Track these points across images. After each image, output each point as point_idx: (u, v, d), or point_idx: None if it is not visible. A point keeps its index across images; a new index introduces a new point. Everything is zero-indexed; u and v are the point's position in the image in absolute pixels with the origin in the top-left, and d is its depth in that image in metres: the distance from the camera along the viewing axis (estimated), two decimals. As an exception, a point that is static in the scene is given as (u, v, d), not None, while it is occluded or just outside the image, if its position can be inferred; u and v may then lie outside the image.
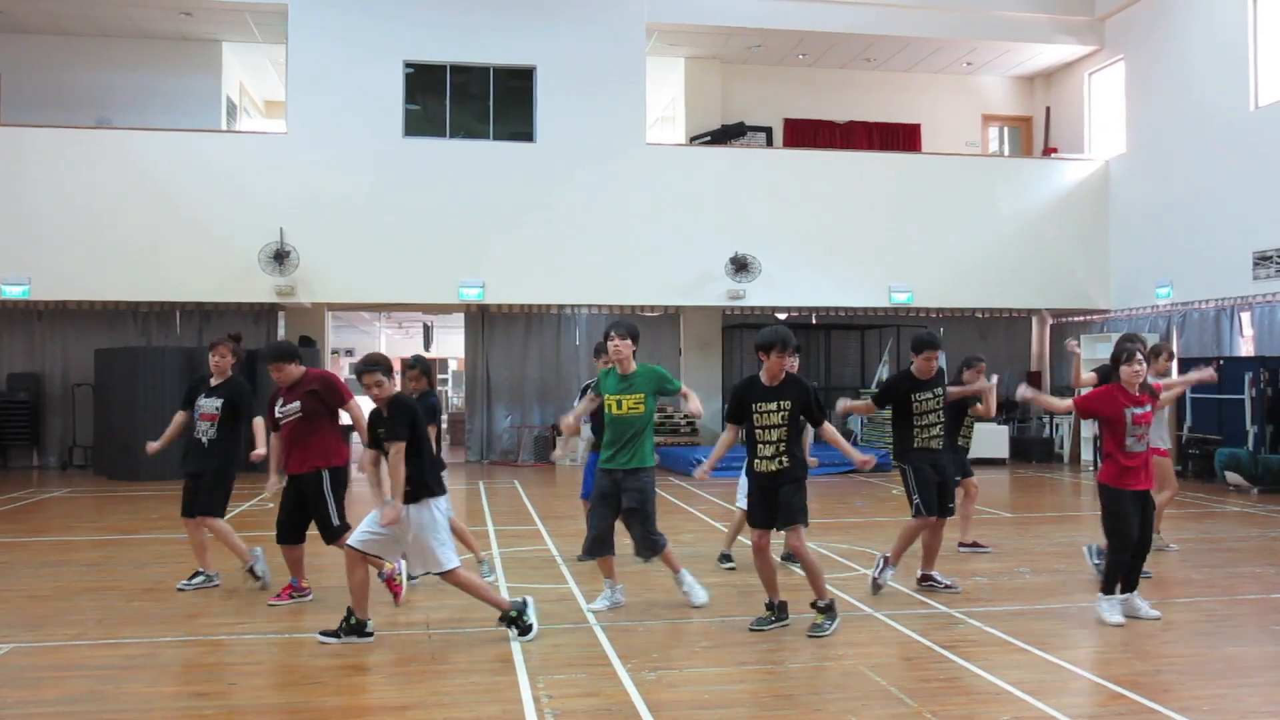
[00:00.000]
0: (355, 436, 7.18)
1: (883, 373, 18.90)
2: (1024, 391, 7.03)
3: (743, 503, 7.84)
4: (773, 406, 6.12)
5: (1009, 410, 19.48)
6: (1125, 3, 17.83)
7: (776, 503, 6.15)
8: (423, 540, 5.87)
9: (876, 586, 7.18)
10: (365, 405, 6.48)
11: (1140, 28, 17.66)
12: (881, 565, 7.20)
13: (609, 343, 6.71)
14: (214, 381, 7.45)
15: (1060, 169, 18.73)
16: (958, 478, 8.17)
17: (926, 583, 7.33)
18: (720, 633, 6.25)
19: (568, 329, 18.85)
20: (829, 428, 6.30)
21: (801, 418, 6.21)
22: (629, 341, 6.66)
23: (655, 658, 5.66)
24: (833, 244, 17.59)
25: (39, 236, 15.50)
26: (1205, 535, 10.01)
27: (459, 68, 17.07)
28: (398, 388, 6.16)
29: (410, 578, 7.56)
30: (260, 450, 7.11)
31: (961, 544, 8.89)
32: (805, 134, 19.62)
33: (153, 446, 7.51)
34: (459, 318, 19.29)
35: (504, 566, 8.35)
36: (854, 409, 7.35)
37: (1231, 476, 13.56)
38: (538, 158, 16.91)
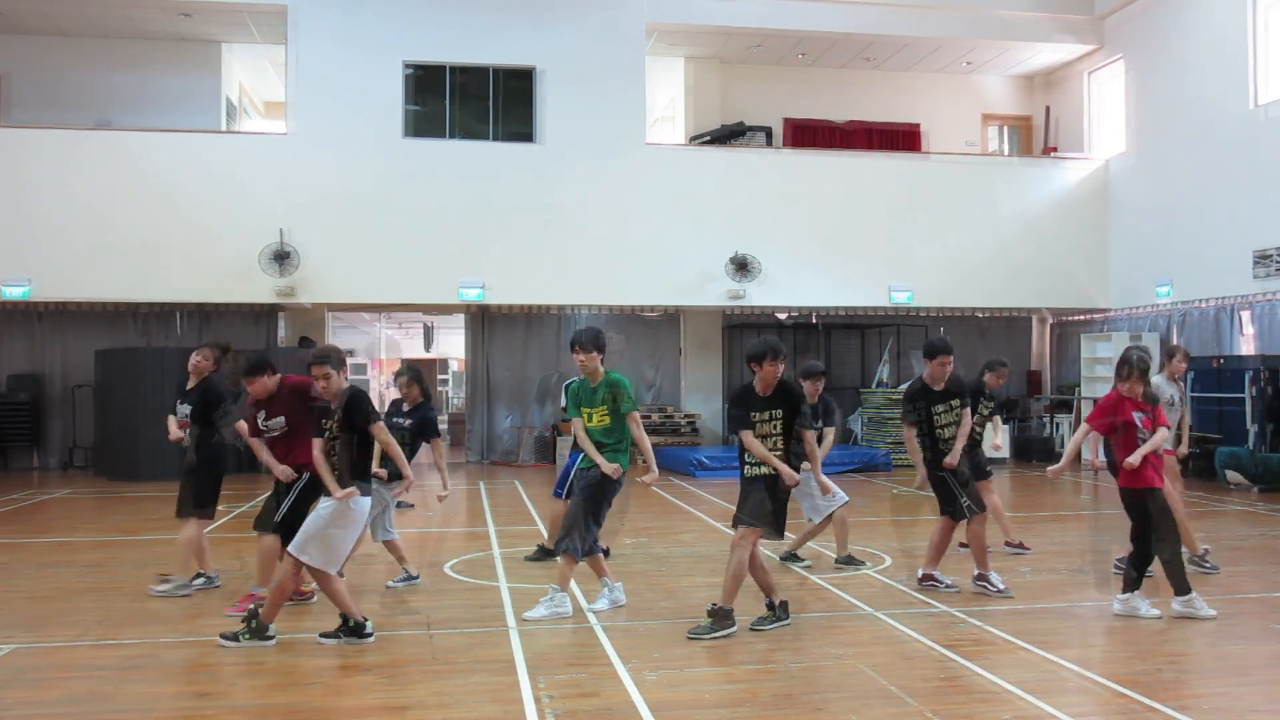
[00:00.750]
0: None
1: (883, 373, 18.90)
2: (1054, 470, 7.07)
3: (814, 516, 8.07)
4: (766, 416, 6.22)
5: (1009, 409, 19.49)
6: (1125, 1, 17.81)
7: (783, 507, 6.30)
8: (324, 526, 5.82)
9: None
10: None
11: (1140, 27, 17.66)
12: (975, 578, 7.29)
13: (574, 356, 6.68)
14: (188, 385, 7.40)
15: (1060, 168, 18.73)
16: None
17: (928, 582, 7.33)
18: (721, 632, 6.25)
19: (568, 329, 18.84)
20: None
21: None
22: (594, 354, 6.60)
23: (656, 657, 5.66)
24: (833, 244, 17.59)
25: (40, 237, 15.50)
26: (1206, 534, 9.97)
27: (459, 68, 17.07)
28: (345, 382, 6.06)
29: (412, 578, 7.58)
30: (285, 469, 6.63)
31: (962, 544, 8.89)
32: (805, 134, 19.61)
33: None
34: (459, 318, 19.30)
35: (505, 567, 8.36)
36: (914, 456, 7.29)
37: (1232, 475, 13.56)
38: (538, 158, 16.91)
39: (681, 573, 8.10)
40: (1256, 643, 6.10)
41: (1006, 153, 20.83)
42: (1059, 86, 20.15)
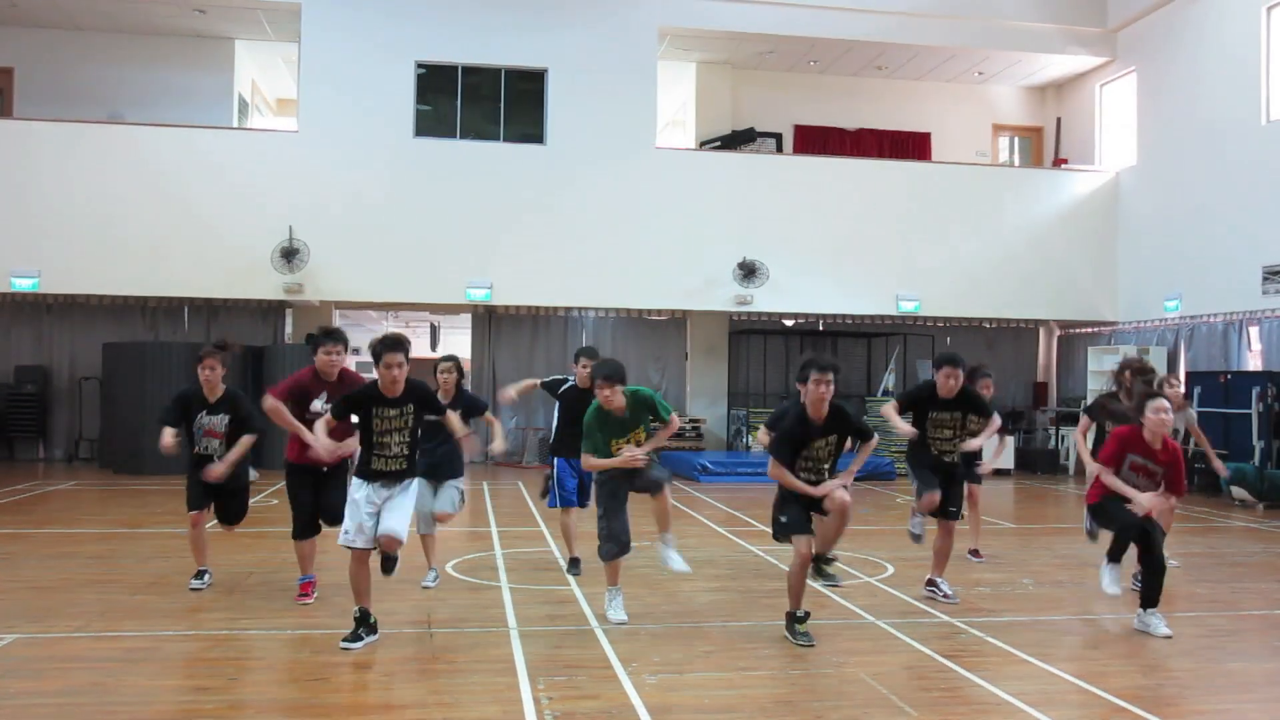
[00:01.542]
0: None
1: (889, 381, 18.87)
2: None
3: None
4: (822, 442, 6.20)
5: (1014, 421, 19.45)
6: (1138, 14, 17.81)
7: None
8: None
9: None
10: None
11: (1153, 40, 17.64)
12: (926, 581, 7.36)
13: (598, 391, 6.39)
14: (211, 397, 7.15)
15: (1070, 180, 18.71)
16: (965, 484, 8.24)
17: (930, 587, 7.33)
18: (722, 638, 6.24)
19: (574, 331, 18.86)
20: (870, 445, 6.42)
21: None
22: (618, 387, 6.36)
23: (656, 661, 5.66)
24: (841, 251, 17.59)
25: (49, 230, 15.56)
26: (1210, 550, 9.97)
27: (470, 69, 17.10)
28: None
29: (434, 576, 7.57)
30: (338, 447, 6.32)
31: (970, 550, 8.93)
32: (815, 141, 19.61)
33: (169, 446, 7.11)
34: (466, 318, 19.32)
35: (507, 568, 8.36)
36: (900, 431, 7.30)
37: (1237, 491, 13.52)
38: (547, 160, 16.93)
39: (683, 577, 8.08)
40: (1259, 660, 6.08)
41: (1016, 163, 20.81)
42: (1070, 98, 20.13)
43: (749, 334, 18.87)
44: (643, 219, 17.02)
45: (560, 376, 8.25)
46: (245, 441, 7.12)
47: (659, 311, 18.80)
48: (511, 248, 16.66)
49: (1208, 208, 16.28)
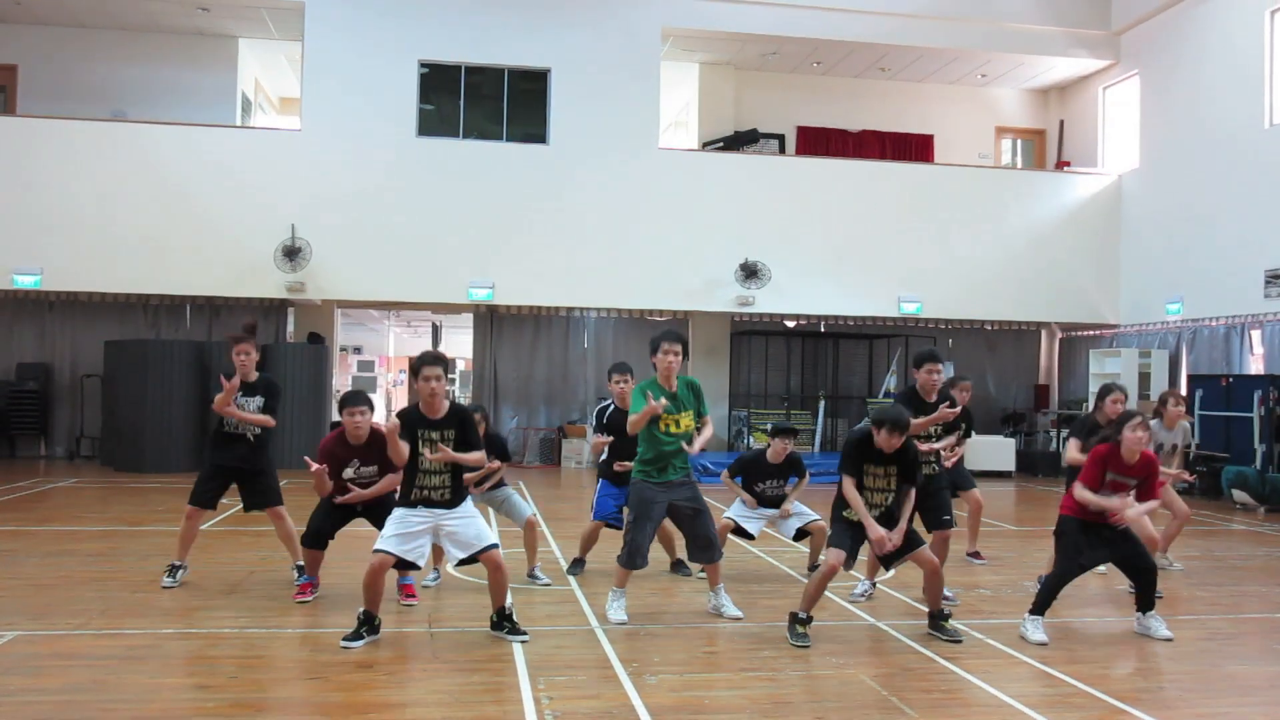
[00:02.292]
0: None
1: (890, 383, 18.85)
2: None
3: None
4: (880, 471, 6.21)
5: (1015, 423, 19.45)
6: (1141, 18, 17.80)
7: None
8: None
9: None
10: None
11: (1156, 43, 17.63)
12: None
13: (663, 353, 6.35)
14: (242, 378, 7.19)
15: (1072, 182, 18.70)
16: (958, 491, 8.28)
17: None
18: (722, 638, 6.24)
19: (576, 331, 18.86)
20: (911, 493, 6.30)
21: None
22: (678, 348, 6.38)
23: (656, 661, 5.66)
24: (843, 252, 17.59)
25: (51, 227, 15.57)
26: (1211, 553, 9.97)
27: (474, 68, 17.11)
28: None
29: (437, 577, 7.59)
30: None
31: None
32: (818, 142, 19.62)
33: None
34: (468, 318, 19.31)
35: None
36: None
37: (1238, 495, 13.52)
38: (550, 160, 16.94)
39: (683, 578, 8.09)
40: (1259, 663, 6.07)
41: (1019, 165, 20.80)
42: (1073, 100, 20.12)
43: (750, 335, 18.86)
44: (645, 220, 17.02)
45: (599, 407, 8.07)
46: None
47: (660, 312, 18.79)
48: (514, 248, 16.66)
49: (1210, 211, 16.27)
